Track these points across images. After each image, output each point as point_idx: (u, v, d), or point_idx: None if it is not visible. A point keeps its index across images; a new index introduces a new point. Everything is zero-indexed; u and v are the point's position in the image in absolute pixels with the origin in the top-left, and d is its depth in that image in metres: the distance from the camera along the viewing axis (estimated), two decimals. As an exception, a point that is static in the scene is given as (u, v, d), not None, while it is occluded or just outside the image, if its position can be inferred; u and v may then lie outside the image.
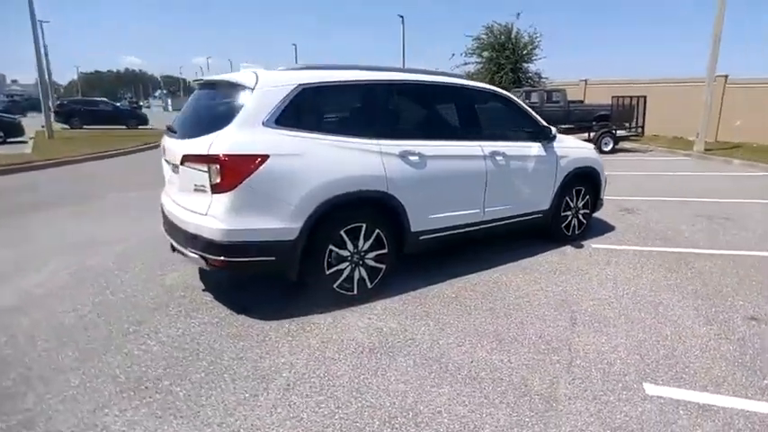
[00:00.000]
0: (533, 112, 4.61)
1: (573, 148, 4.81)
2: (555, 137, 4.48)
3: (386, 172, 3.38)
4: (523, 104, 4.63)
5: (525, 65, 20.95)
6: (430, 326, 3.14)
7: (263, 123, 3.01)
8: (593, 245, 4.91)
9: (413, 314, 3.30)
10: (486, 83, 19.72)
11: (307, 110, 3.21)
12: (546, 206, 4.63)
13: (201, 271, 4.07)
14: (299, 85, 3.15)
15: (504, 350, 2.82)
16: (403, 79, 3.72)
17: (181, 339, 2.96)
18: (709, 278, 3.94)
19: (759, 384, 2.46)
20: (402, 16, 32.38)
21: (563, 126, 14.22)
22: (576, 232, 5.03)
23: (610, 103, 15.14)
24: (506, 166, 4.16)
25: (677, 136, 17.39)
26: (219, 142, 2.89)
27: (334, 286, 3.34)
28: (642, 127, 14.58)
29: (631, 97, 14.46)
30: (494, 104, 4.36)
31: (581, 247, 4.85)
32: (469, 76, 21.43)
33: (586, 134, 14.27)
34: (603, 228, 5.51)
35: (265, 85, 3.06)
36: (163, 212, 3.70)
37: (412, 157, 3.53)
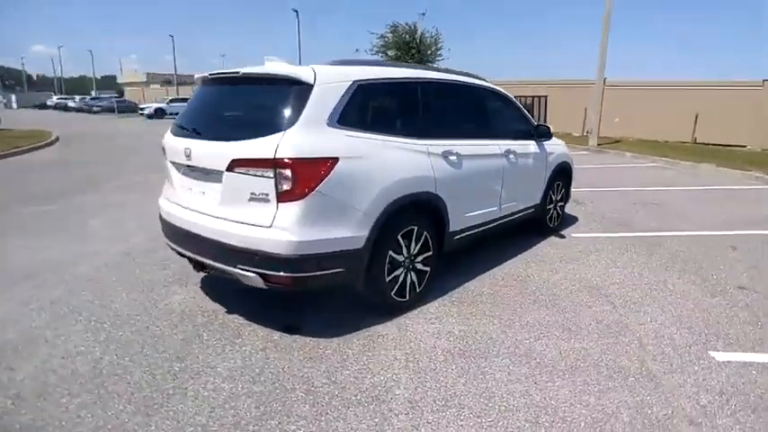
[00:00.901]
0: (527, 112, 4.96)
1: (554, 144, 5.28)
2: (551, 135, 4.88)
3: (434, 173, 3.39)
4: (519, 104, 4.95)
5: (430, 65, 22.01)
6: (495, 324, 3.23)
7: (327, 123, 2.81)
8: (572, 234, 5.44)
9: (470, 314, 3.36)
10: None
11: (363, 109, 3.07)
12: (538, 200, 5.02)
13: (208, 290, 3.65)
14: (355, 81, 3.00)
15: (577, 338, 3.03)
16: (442, 78, 3.77)
17: (248, 371, 2.63)
18: (684, 257, 4.63)
19: None
20: (296, 11, 31.76)
21: None
22: (556, 224, 5.54)
23: None
24: (516, 164, 4.42)
25: (566, 132, 19.79)
26: (288, 144, 2.62)
27: (392, 293, 3.25)
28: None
29: (533, 97, 16.16)
30: (501, 104, 4.60)
31: (563, 237, 5.34)
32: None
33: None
34: (568, 219, 6.12)
35: (326, 82, 2.85)
36: (170, 224, 3.24)
37: (451, 157, 3.58)
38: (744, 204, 7.27)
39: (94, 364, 2.70)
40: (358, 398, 2.41)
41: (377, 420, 2.24)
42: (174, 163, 3.25)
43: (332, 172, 2.72)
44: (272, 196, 2.66)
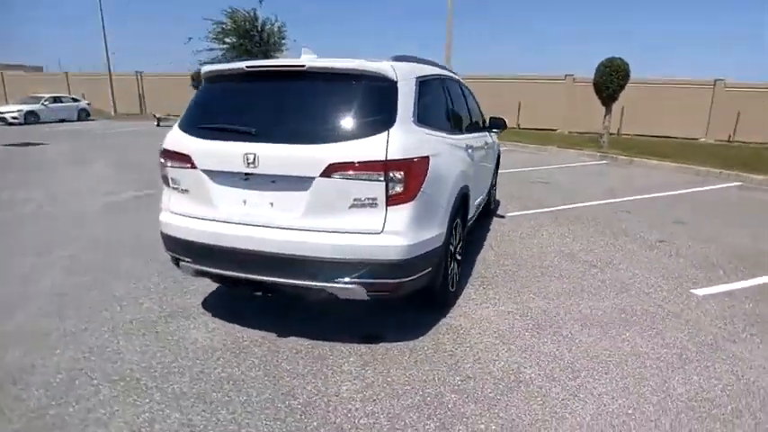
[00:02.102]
0: None
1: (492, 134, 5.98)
2: (506, 125, 5.52)
3: (466, 166, 3.64)
4: None
5: (275, 54, 21.44)
6: (533, 298, 3.66)
7: (412, 121, 2.81)
8: (507, 214, 6.26)
9: (505, 294, 3.73)
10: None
11: (424, 105, 3.10)
12: (492, 185, 5.67)
13: (222, 316, 3.26)
14: (417, 78, 3.04)
15: (603, 297, 3.67)
16: (450, 74, 3.98)
17: (378, 389, 2.53)
18: (605, 223, 5.81)
19: (745, 264, 4.17)
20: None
21: None
22: (493, 206, 6.30)
23: None
24: (488, 153, 4.94)
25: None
26: (397, 145, 2.56)
27: (449, 286, 3.42)
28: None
29: None
30: (473, 97, 5.01)
31: (503, 216, 6.12)
32: (217, 63, 20.37)
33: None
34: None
35: (404, 78, 2.81)
36: (208, 246, 2.81)
37: (470, 150, 3.87)
38: (599, 177, 9.27)
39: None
40: (502, 385, 2.57)
41: (539, 398, 2.45)
42: (214, 172, 2.78)
43: (428, 171, 2.76)
44: (381, 200, 2.57)
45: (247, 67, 2.81)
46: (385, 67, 2.74)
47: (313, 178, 2.57)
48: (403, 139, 2.61)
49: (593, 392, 2.52)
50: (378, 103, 2.69)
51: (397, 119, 2.65)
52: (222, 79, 2.99)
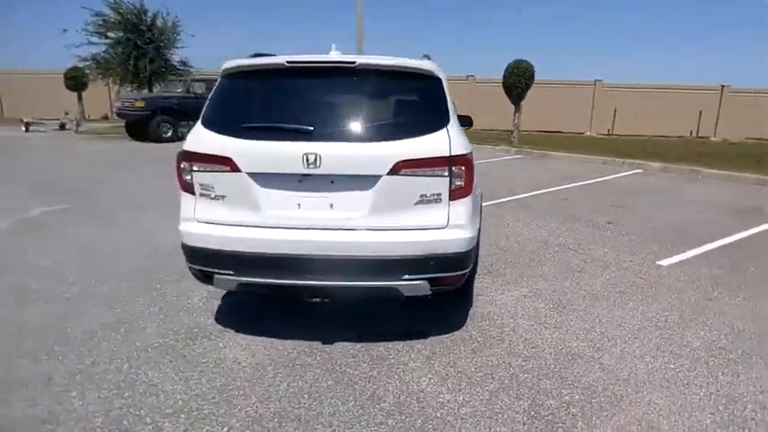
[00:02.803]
0: None
1: None
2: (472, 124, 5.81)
3: None
4: None
5: (169, 52, 19.83)
6: (551, 282, 4.00)
7: (455, 117, 2.92)
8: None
9: (519, 279, 4.03)
10: (127, 69, 17.52)
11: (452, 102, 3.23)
12: None
13: (249, 331, 3.11)
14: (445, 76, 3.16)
15: (601, 275, 4.14)
16: None
17: (461, 381, 2.62)
18: (556, 210, 6.45)
19: (683, 237, 4.91)
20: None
21: None
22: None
23: None
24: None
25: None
26: (457, 141, 2.65)
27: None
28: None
29: None
30: None
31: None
32: (101, 60, 18.34)
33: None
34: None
35: (443, 76, 2.92)
36: (258, 255, 2.66)
37: None
38: (523, 169, 10.17)
39: (293, 446, 2.13)
40: (561, 360, 2.81)
41: (597, 366, 2.74)
42: (263, 175, 2.61)
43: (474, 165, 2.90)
44: (445, 195, 2.65)
45: (288, 62, 2.69)
46: (429, 64, 2.82)
47: (379, 176, 2.56)
48: (458, 134, 2.72)
49: (636, 355, 2.87)
50: (432, 101, 2.76)
51: (450, 115, 2.75)
52: (255, 75, 2.82)
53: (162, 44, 19.07)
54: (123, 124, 15.00)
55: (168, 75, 18.94)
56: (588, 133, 18.73)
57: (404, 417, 2.31)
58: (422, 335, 3.07)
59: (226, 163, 2.62)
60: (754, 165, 9.61)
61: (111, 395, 2.46)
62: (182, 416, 2.31)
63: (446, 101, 2.78)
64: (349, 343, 2.96)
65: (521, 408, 2.38)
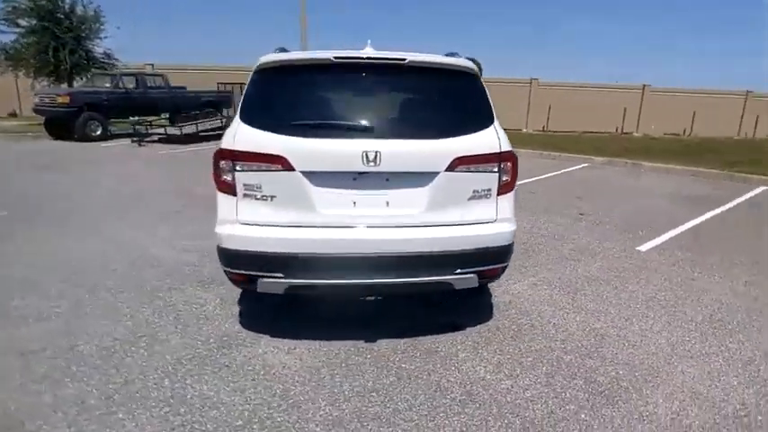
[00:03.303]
0: None
1: None
2: None
3: None
4: None
5: (91, 43, 18.29)
6: (560, 276, 4.27)
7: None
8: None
9: (527, 268, 4.26)
10: (46, 60, 16.25)
11: None
12: None
13: (272, 332, 3.08)
14: None
15: (584, 263, 4.48)
16: None
17: (514, 365, 2.76)
18: (527, 202, 6.79)
19: (651, 224, 5.39)
20: None
21: (166, 114, 14.54)
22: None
23: (216, 89, 16.56)
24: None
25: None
26: (504, 138, 2.78)
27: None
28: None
29: (233, 84, 16.16)
30: None
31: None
32: (10, 50, 16.65)
33: (219, 122, 15.00)
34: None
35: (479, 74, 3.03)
36: (316, 258, 2.63)
37: None
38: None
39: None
40: (592, 340, 3.05)
41: (625, 343, 3.00)
42: (317, 173, 2.58)
43: None
44: (494, 190, 2.77)
45: (336, 57, 2.67)
46: (469, 63, 2.91)
47: (437, 173, 2.63)
48: (502, 132, 2.85)
49: (654, 331, 3.18)
50: (477, 98, 2.86)
51: (494, 113, 2.88)
52: (299, 70, 2.75)
53: (83, 34, 17.60)
54: (41, 122, 13.59)
55: (91, 67, 17.55)
56: (525, 130, 19.84)
57: (478, 405, 2.40)
58: (458, 327, 3.17)
59: (278, 162, 2.55)
60: (683, 158, 10.74)
61: (165, 413, 2.32)
62: (254, 426, 2.24)
63: (488, 98, 2.89)
64: (392, 339, 2.99)
65: (578, 386, 2.56)
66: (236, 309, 3.38)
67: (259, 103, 2.73)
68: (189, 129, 13.09)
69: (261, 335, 3.04)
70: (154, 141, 13.09)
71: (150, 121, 13.48)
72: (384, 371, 2.68)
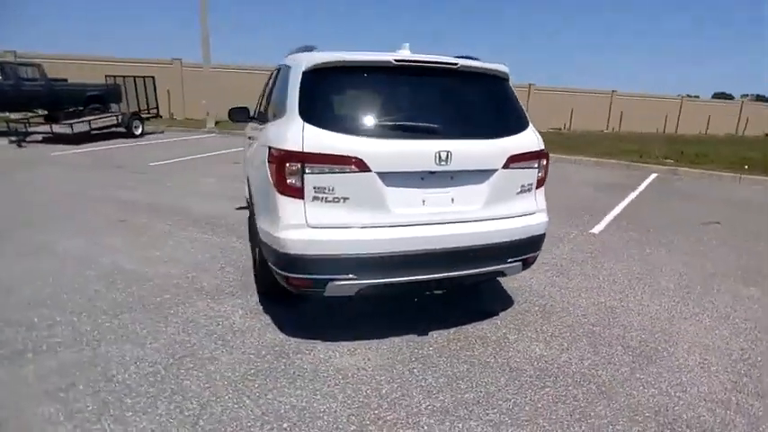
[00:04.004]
0: None
1: None
2: None
3: None
4: None
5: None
6: (543, 261, 4.74)
7: (523, 114, 3.34)
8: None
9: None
10: None
11: None
12: None
13: (324, 336, 3.16)
14: None
15: (556, 248, 5.06)
16: None
17: (563, 341, 3.11)
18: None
19: (588, 210, 6.17)
20: None
21: (44, 110, 12.98)
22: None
23: (105, 82, 14.97)
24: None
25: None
26: (539, 138, 3.10)
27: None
28: (157, 108, 15.56)
29: (125, 77, 14.75)
30: None
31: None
32: None
33: (114, 119, 13.57)
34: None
35: None
36: (387, 256, 2.72)
37: None
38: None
39: None
40: (607, 313, 3.54)
41: (637, 313, 3.54)
42: (391, 174, 2.64)
43: None
44: (534, 184, 3.07)
45: (396, 60, 2.75)
46: (507, 69, 3.18)
47: (495, 170, 2.85)
48: (537, 132, 3.16)
49: (647, 300, 3.79)
50: (514, 101, 3.12)
51: (527, 115, 3.18)
52: (358, 71, 2.76)
53: None
54: None
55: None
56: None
57: (553, 378, 2.69)
58: (492, 314, 3.45)
59: (354, 163, 2.57)
60: (575, 150, 12.26)
61: (270, 431, 2.25)
62: (372, 428, 2.28)
63: (517, 100, 3.18)
64: (440, 331, 3.17)
65: (619, 351, 3.00)
66: (266, 318, 3.28)
67: (322, 103, 2.71)
68: (80, 127, 11.64)
69: (312, 341, 3.01)
70: (37, 141, 11.41)
71: (29, 119, 11.71)
72: (453, 360, 2.85)
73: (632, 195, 7.65)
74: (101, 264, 4.09)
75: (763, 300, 3.87)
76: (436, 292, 2.99)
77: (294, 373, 2.68)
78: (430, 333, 3.14)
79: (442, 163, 2.68)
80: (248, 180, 5.19)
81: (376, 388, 2.57)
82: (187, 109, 20.33)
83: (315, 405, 2.42)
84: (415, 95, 2.90)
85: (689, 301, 3.78)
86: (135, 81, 14.76)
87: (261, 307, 3.42)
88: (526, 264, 3.15)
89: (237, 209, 6.12)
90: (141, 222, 5.34)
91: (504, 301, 3.64)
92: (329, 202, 2.61)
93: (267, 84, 4.60)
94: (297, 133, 2.59)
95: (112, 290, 3.63)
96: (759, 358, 2.99)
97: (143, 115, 14.69)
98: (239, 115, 5.33)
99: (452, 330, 3.18)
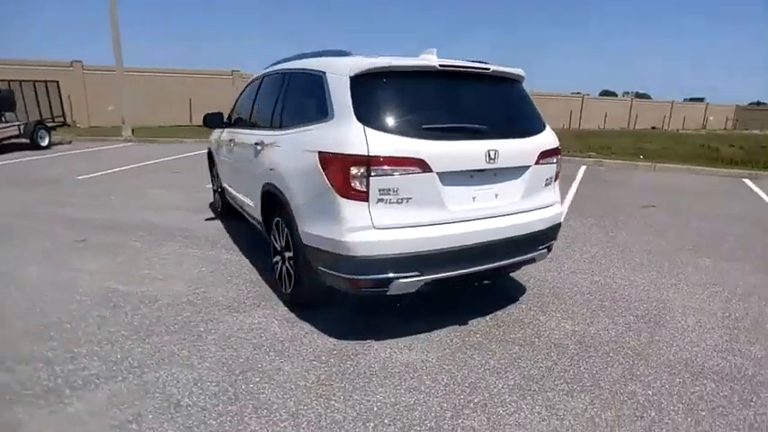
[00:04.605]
0: None
1: None
2: None
3: None
4: None
5: None
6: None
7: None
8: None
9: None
10: None
11: None
12: None
13: (377, 335, 3.32)
14: None
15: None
16: None
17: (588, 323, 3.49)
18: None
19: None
20: None
21: None
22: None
23: None
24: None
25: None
26: (555, 136, 3.45)
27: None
28: (64, 116, 14.14)
29: (21, 81, 13.28)
30: None
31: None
32: None
33: (16, 129, 12.14)
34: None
35: None
36: (445, 252, 2.88)
37: None
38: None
39: None
40: (614, 293, 4.01)
41: (643, 283, 4.05)
42: (447, 173, 2.80)
43: None
44: (552, 178, 3.41)
45: (441, 65, 2.93)
46: (522, 71, 3.49)
47: (528, 166, 3.15)
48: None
49: (632, 275, 4.32)
50: (532, 103, 3.44)
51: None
52: (405, 76, 2.89)
53: None
54: None
55: None
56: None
57: (593, 348, 3.03)
58: (514, 299, 3.75)
59: (417, 165, 2.70)
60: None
61: (373, 428, 2.33)
62: (477, 410, 2.42)
63: (530, 101, 3.51)
64: (478, 319, 3.40)
65: (632, 320, 3.43)
66: (306, 325, 3.28)
67: (378, 107, 2.80)
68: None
69: (364, 341, 3.08)
70: None
71: None
72: (503, 343, 3.09)
73: (575, 185, 8.50)
74: (87, 288, 3.79)
75: (717, 267, 4.60)
76: (485, 282, 3.21)
77: (366, 372, 2.75)
78: (469, 322, 3.35)
79: (491, 161, 2.92)
80: (232, 185, 5.02)
81: (450, 376, 2.72)
82: (92, 116, 18.70)
83: (404, 399, 2.52)
84: (456, 98, 3.10)
85: (664, 274, 4.39)
86: (35, 86, 13.32)
87: (292, 315, 3.41)
88: (549, 250, 3.49)
89: (207, 220, 5.90)
90: (106, 241, 4.98)
91: (519, 288, 3.96)
92: (393, 203, 2.73)
93: (257, 90, 4.54)
94: (359, 137, 2.66)
95: (120, 314, 3.41)
96: (738, 314, 3.59)
97: (48, 124, 13.29)
98: (214, 121, 5.21)
99: (488, 318, 3.42)
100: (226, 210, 5.80)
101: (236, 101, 5.34)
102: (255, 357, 2.89)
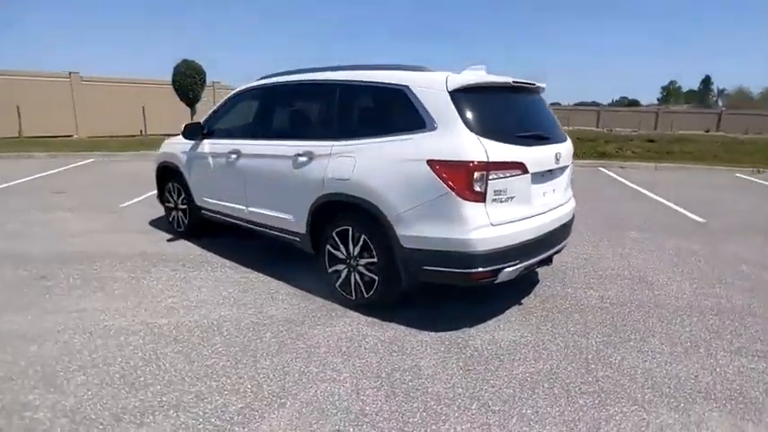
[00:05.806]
0: None
1: None
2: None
3: None
4: None
5: None
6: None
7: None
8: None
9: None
10: None
11: None
12: None
13: (434, 326, 3.83)
14: None
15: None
16: None
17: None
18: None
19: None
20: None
21: None
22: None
23: None
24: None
25: None
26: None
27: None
28: None
29: None
30: None
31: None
32: None
33: None
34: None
35: None
36: (531, 241, 3.41)
37: None
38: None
39: None
40: (616, 276, 5.02)
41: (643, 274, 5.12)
42: (535, 174, 3.36)
43: None
44: (569, 177, 4.21)
45: (514, 81, 3.49)
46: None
47: (568, 166, 3.91)
48: None
49: (633, 259, 5.37)
50: (547, 109, 4.18)
51: None
52: (491, 90, 3.38)
53: None
54: None
55: None
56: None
57: (630, 309, 3.85)
58: (534, 282, 4.43)
59: (519, 168, 3.22)
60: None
61: (480, 409, 2.78)
62: (588, 376, 3.01)
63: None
64: (528, 297, 4.02)
65: (643, 286, 4.37)
66: (394, 324, 3.49)
67: (482, 118, 3.20)
68: None
69: (459, 329, 3.42)
70: None
71: None
72: (564, 315, 3.71)
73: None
74: (124, 327, 3.45)
75: (655, 240, 5.86)
76: (549, 265, 3.87)
77: (488, 353, 3.13)
78: (522, 302, 3.96)
79: (557, 162, 3.61)
80: (229, 200, 4.74)
81: (555, 344, 3.27)
82: None
83: (537, 366, 2.99)
84: (524, 109, 3.73)
85: (634, 247, 5.55)
86: None
87: (373, 319, 3.59)
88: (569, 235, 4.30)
89: (169, 241, 5.48)
90: (75, 275, 4.37)
91: (533, 275, 4.63)
92: (502, 202, 3.20)
93: (265, 101, 4.53)
94: (477, 145, 3.06)
95: (173, 347, 3.19)
96: (711, 272, 4.78)
97: None
98: (194, 132, 4.96)
99: (532, 296, 4.06)
100: (193, 227, 5.47)
101: (216, 112, 5.11)
102: (386, 360, 3.05)
